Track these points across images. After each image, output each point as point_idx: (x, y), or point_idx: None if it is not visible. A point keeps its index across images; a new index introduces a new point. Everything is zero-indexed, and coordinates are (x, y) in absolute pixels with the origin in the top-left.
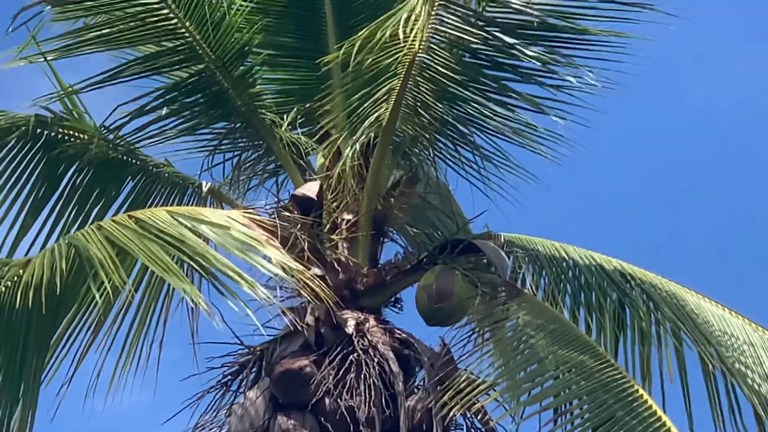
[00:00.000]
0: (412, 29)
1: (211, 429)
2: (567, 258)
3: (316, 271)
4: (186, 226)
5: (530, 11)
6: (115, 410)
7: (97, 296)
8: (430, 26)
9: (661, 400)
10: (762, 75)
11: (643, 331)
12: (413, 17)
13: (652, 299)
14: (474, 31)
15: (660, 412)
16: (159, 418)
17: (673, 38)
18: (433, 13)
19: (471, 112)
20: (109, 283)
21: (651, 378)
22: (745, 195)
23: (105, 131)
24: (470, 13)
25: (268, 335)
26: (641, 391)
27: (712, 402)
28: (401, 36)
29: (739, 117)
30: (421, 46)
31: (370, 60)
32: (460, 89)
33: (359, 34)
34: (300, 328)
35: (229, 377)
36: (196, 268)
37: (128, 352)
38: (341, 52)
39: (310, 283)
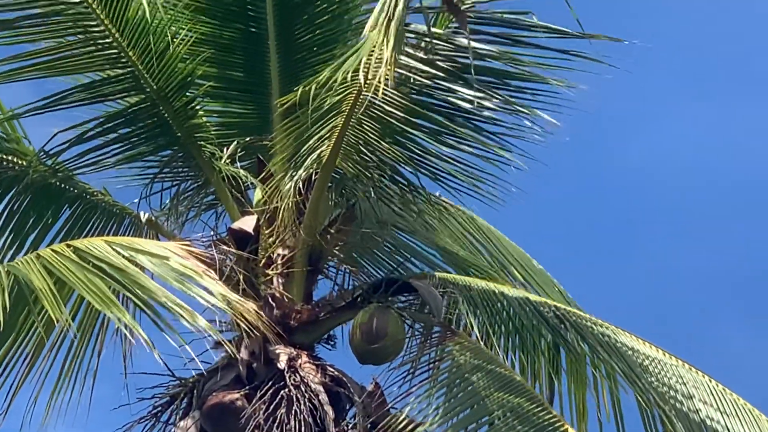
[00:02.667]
0: (374, 74)
1: None
2: (501, 298)
3: (251, 305)
4: (124, 256)
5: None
6: None
7: (40, 327)
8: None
9: None
10: (699, 134)
11: (579, 373)
12: (384, 63)
13: (587, 342)
14: (423, 69)
15: None
16: None
17: (618, 92)
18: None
19: (415, 151)
20: (49, 313)
21: (587, 419)
22: (672, 256)
23: (44, 157)
24: (422, 55)
25: (197, 370)
26: None
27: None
28: (362, 79)
29: (674, 176)
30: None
31: (318, 99)
32: (405, 128)
33: (320, 76)
34: (233, 361)
35: (160, 408)
36: (134, 299)
37: (62, 384)
38: (298, 92)
39: (248, 316)
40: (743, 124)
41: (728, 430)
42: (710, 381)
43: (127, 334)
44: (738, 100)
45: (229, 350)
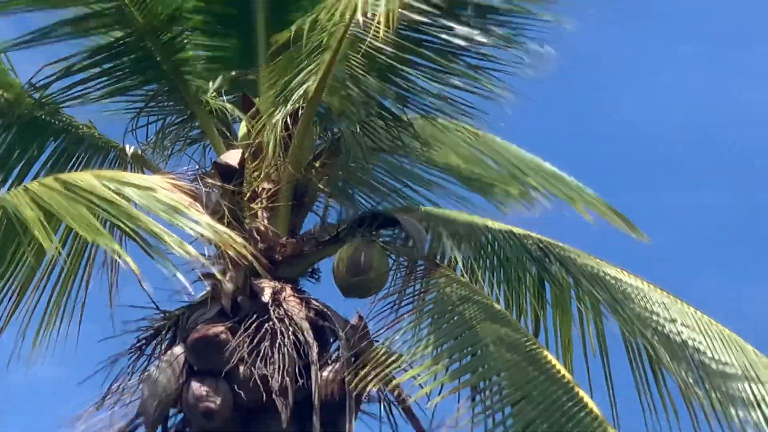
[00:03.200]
0: (373, 12)
1: (124, 393)
2: (486, 232)
3: (238, 236)
4: (111, 189)
5: None
6: (29, 383)
7: (30, 257)
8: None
9: (586, 376)
10: (691, 80)
11: (564, 306)
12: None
13: (571, 274)
14: (412, 5)
15: (578, 389)
16: (72, 391)
17: (611, 39)
18: None
19: (403, 86)
20: (41, 241)
21: (573, 352)
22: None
23: (30, 90)
24: None
25: (182, 303)
26: (558, 367)
27: (636, 376)
28: (360, 19)
29: (665, 129)
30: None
31: (317, 32)
32: (393, 63)
33: (314, 13)
34: (217, 295)
35: (144, 341)
36: (123, 228)
37: (49, 319)
38: (293, 29)
39: (236, 246)
40: (739, 81)
41: (710, 350)
42: (696, 312)
43: (118, 259)
44: (738, 58)
45: (215, 281)
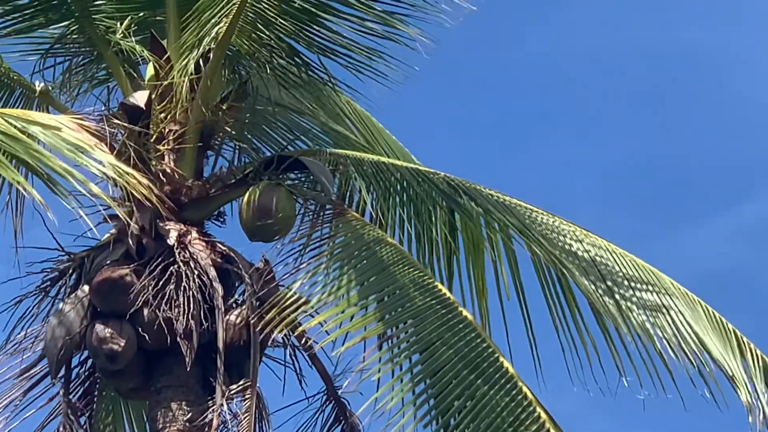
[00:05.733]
0: None
1: (28, 336)
2: (394, 171)
3: (142, 178)
4: (16, 127)
5: None
6: None
7: None
8: None
9: (500, 316)
10: (602, 21)
11: (475, 237)
12: None
13: (481, 205)
14: None
15: (484, 334)
16: None
17: None
18: None
19: (313, 31)
20: None
21: (487, 297)
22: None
23: None
24: None
25: (87, 246)
26: (465, 313)
27: (550, 302)
28: None
29: (576, 65)
30: None
31: None
32: (304, 5)
33: None
34: (122, 237)
35: (48, 283)
36: (29, 162)
37: None
38: None
39: (140, 188)
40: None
41: (618, 266)
42: (598, 238)
43: (23, 191)
44: None
45: (120, 222)
